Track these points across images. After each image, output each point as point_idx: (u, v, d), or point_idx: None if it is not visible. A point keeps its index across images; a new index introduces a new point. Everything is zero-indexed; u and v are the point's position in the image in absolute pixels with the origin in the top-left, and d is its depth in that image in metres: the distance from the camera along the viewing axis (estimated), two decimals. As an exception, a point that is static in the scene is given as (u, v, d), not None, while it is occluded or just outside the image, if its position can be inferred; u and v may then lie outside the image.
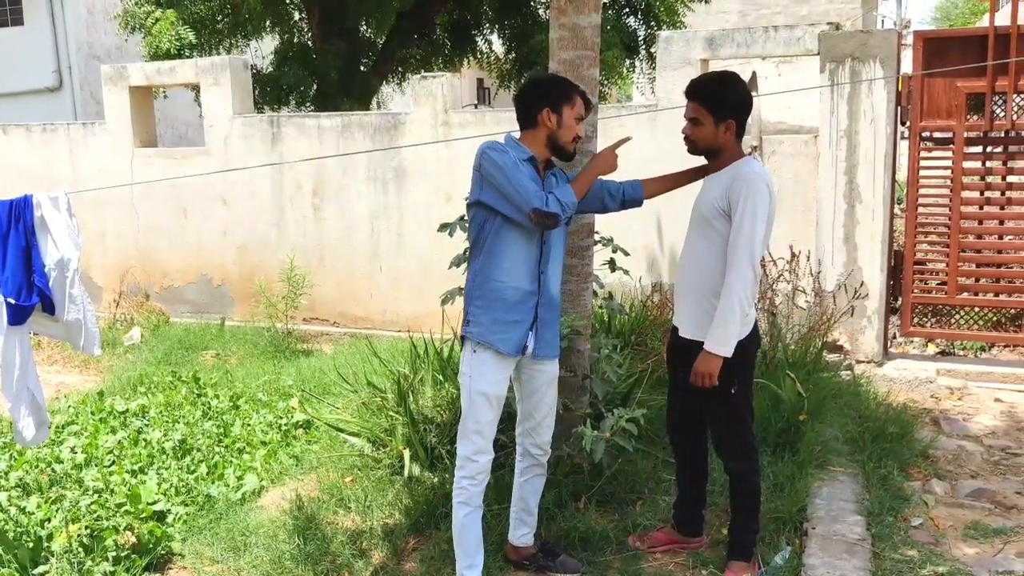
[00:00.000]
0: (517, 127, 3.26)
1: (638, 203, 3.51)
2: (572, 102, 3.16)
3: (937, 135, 6.28)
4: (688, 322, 3.34)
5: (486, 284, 3.19)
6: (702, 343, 3.21)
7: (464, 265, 4.43)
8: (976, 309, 6.44)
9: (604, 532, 3.70)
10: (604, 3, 7.67)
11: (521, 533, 3.54)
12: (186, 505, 4.24)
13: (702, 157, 3.35)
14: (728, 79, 3.27)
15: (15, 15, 16.30)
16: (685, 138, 3.31)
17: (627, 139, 3.45)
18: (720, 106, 3.20)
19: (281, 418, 5.45)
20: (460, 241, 4.45)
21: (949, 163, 6.22)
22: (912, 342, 7.09)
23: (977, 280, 6.37)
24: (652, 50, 11.32)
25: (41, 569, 3.58)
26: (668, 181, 3.52)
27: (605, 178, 3.39)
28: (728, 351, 3.15)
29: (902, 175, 6.88)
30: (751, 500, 3.42)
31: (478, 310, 3.21)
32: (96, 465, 4.80)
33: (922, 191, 6.36)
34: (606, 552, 3.61)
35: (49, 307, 3.44)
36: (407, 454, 4.20)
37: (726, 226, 3.17)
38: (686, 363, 3.29)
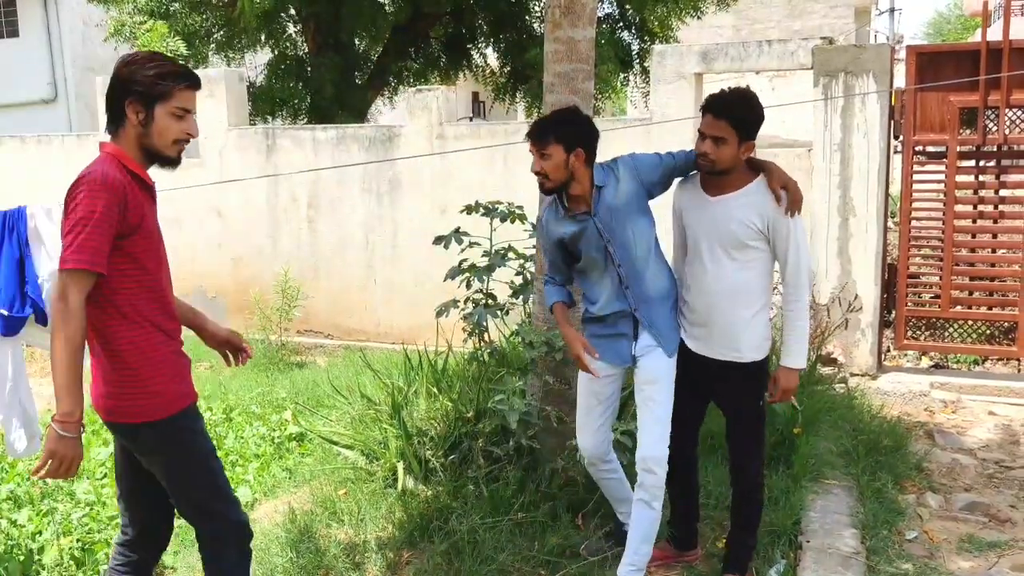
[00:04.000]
0: (516, 140, 3.22)
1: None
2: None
3: (930, 149, 6.31)
4: (720, 345, 3.24)
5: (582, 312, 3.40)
6: (736, 364, 3.23)
7: (458, 278, 4.45)
8: (970, 322, 6.46)
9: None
10: (598, 17, 7.70)
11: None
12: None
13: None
14: (752, 97, 3.13)
15: (10, 27, 16.34)
16: (702, 155, 3.11)
17: None
18: (746, 126, 3.08)
19: (274, 431, 5.44)
20: (455, 254, 4.45)
21: (942, 177, 6.24)
22: (906, 355, 7.10)
23: (970, 293, 6.39)
24: (646, 64, 11.37)
25: (32, 582, 3.57)
26: None
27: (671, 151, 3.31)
28: (804, 365, 3.27)
29: (895, 189, 6.90)
30: (754, 514, 3.43)
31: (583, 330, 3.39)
32: (88, 478, 4.77)
33: (915, 204, 6.38)
34: (602, 566, 3.60)
35: (42, 318, 3.44)
36: (401, 467, 4.18)
37: (765, 247, 3.16)
38: (718, 384, 3.32)
